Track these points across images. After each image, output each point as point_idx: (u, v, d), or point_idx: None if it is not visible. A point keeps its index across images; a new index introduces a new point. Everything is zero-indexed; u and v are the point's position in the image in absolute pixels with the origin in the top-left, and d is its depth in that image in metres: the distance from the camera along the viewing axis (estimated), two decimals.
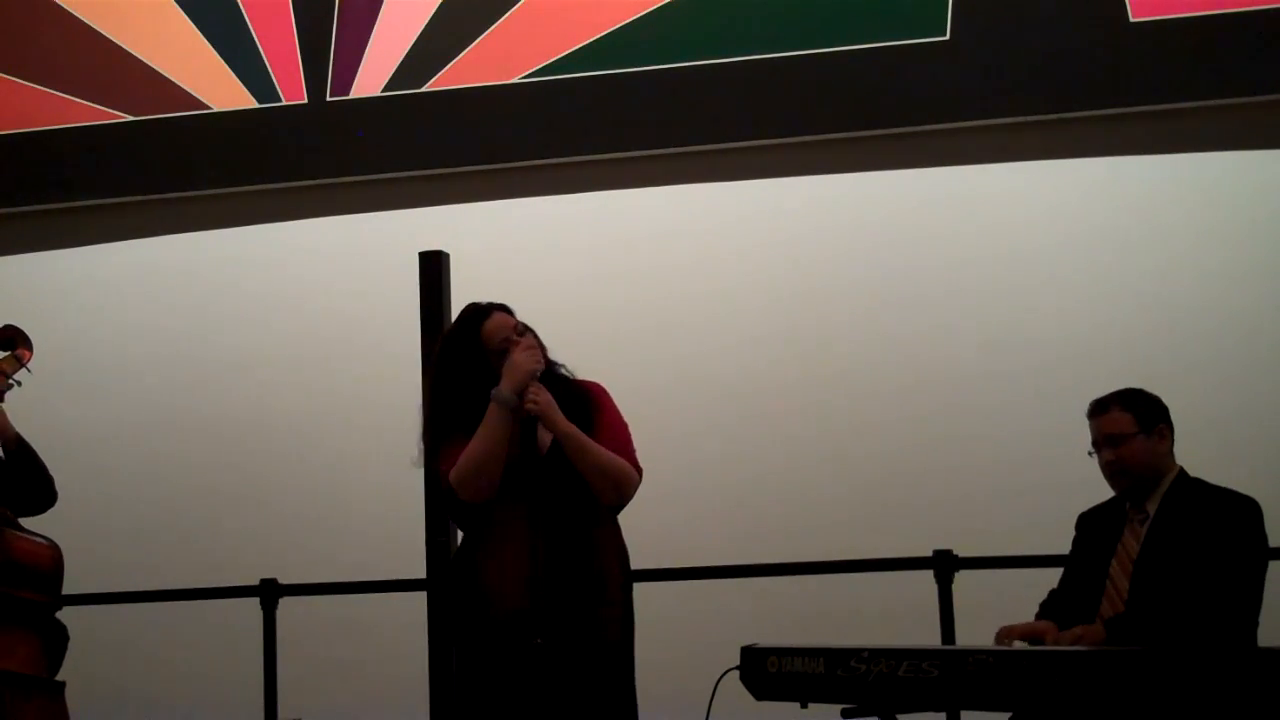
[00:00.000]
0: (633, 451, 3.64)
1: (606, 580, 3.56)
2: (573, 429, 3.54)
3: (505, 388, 3.52)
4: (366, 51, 5.99)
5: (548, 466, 3.54)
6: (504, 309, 3.70)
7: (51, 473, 4.23)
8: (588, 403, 3.64)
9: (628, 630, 3.62)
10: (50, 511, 4.25)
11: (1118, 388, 3.76)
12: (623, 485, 3.58)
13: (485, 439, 3.52)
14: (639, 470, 3.62)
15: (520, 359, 3.53)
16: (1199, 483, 3.67)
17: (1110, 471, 3.71)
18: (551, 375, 3.65)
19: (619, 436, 3.62)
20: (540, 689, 3.45)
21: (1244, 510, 3.56)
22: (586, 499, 3.56)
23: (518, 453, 3.53)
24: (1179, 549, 3.54)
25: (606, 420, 3.64)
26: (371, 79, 5.98)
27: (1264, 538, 3.58)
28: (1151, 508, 3.67)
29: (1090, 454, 3.74)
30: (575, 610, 3.49)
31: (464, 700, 3.61)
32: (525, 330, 3.63)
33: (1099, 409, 3.73)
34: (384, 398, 5.70)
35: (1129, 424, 3.67)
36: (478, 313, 3.69)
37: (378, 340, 5.84)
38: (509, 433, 3.52)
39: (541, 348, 3.65)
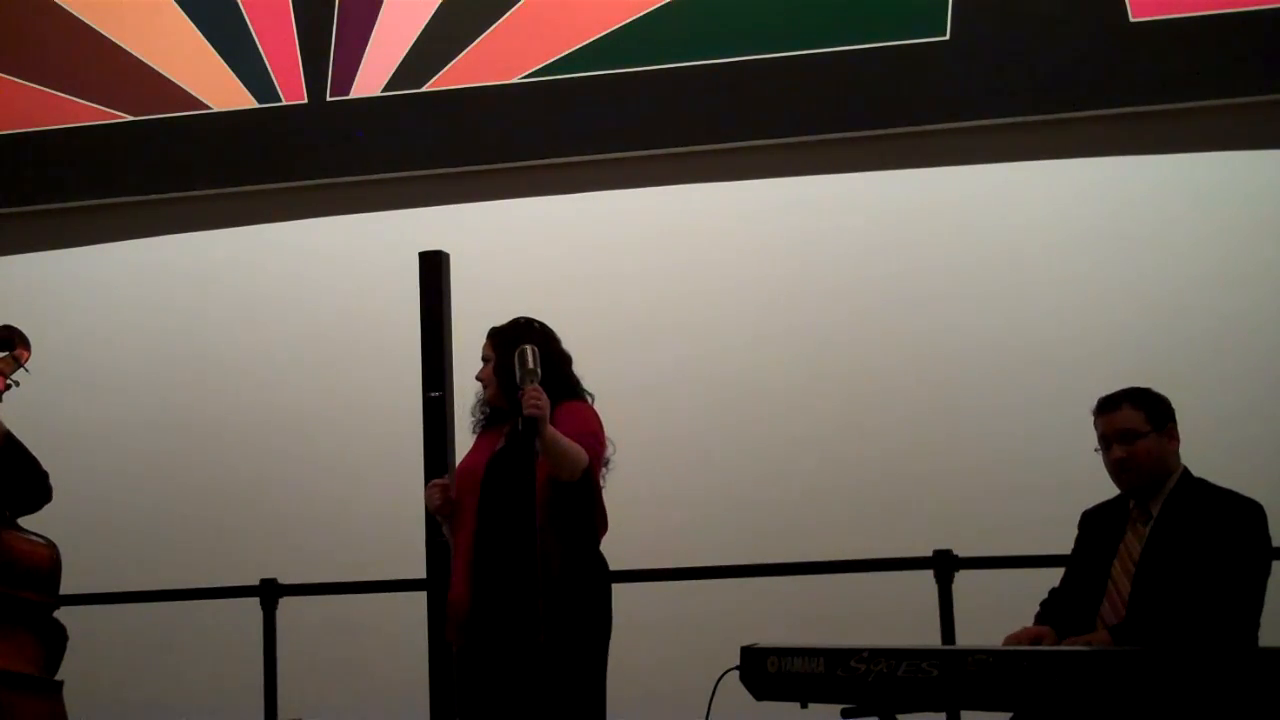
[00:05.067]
0: (590, 434, 3.80)
1: (536, 585, 3.60)
2: (556, 433, 3.66)
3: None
4: (366, 51, 5.99)
5: (491, 480, 3.76)
6: (497, 334, 3.90)
7: (49, 471, 4.22)
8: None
9: (571, 633, 3.68)
10: (51, 511, 4.24)
11: (1118, 388, 3.75)
12: (577, 469, 3.73)
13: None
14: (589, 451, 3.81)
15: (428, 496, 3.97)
16: (1203, 484, 3.65)
17: (1120, 469, 3.67)
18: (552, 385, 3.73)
19: (574, 420, 3.78)
20: (475, 688, 3.77)
21: (1248, 513, 3.55)
22: (527, 510, 3.63)
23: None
24: (1181, 550, 3.53)
25: (564, 413, 3.76)
26: (371, 79, 5.98)
27: (1268, 540, 3.57)
28: (1155, 508, 3.64)
29: (1096, 451, 3.72)
30: (505, 612, 3.66)
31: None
32: (531, 378, 3.65)
33: (1109, 406, 3.70)
34: (384, 398, 5.70)
35: (1140, 421, 3.65)
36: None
37: (378, 340, 5.84)
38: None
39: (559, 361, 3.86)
